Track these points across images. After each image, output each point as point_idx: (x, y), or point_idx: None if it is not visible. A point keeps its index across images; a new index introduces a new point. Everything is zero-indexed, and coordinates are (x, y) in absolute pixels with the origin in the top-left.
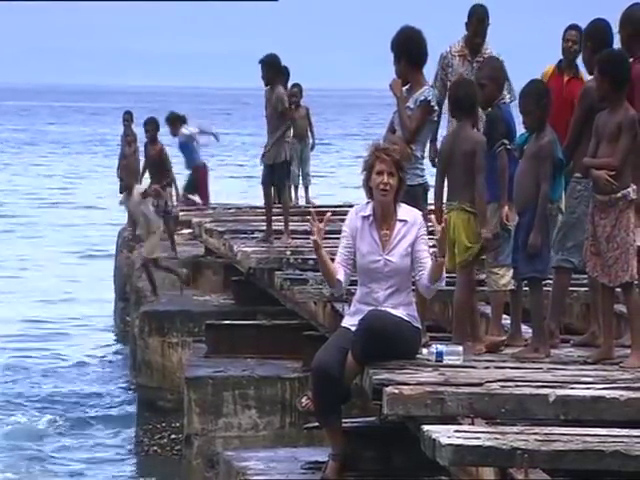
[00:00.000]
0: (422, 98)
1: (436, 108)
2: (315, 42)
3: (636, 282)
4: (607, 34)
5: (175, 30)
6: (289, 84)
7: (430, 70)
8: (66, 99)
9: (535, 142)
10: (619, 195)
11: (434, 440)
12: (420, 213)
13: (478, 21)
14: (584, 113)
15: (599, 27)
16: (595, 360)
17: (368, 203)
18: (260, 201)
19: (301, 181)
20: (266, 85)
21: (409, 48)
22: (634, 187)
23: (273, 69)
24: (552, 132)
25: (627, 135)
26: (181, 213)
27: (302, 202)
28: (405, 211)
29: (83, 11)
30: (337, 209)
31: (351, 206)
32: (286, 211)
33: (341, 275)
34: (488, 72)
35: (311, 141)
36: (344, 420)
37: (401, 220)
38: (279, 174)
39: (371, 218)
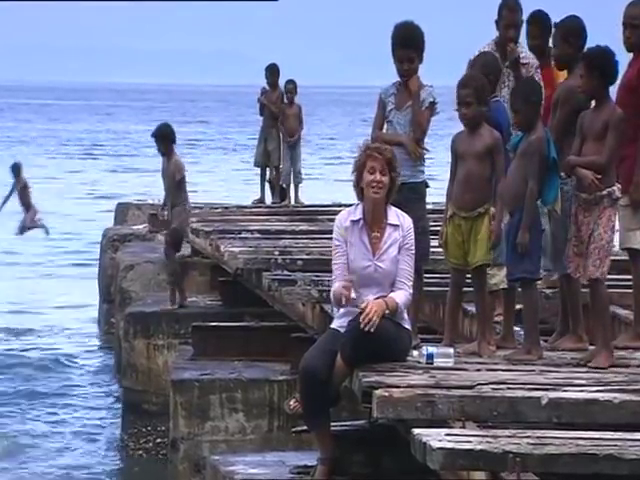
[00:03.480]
0: (431, 99)
1: (438, 110)
2: (300, 39)
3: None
4: (585, 31)
5: (164, 27)
6: (280, 81)
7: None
8: (51, 97)
9: (525, 140)
10: (604, 193)
11: (425, 444)
12: (411, 220)
13: (510, 11)
14: (569, 116)
15: (579, 24)
16: (586, 362)
17: (357, 206)
18: (247, 201)
19: (292, 180)
20: (162, 156)
21: (424, 46)
22: (619, 186)
23: (167, 140)
24: (543, 130)
25: (614, 133)
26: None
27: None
28: (396, 215)
29: (70, 9)
30: (326, 209)
31: (340, 206)
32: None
33: (354, 294)
34: (478, 68)
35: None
36: (333, 423)
37: (392, 224)
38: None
39: (361, 222)
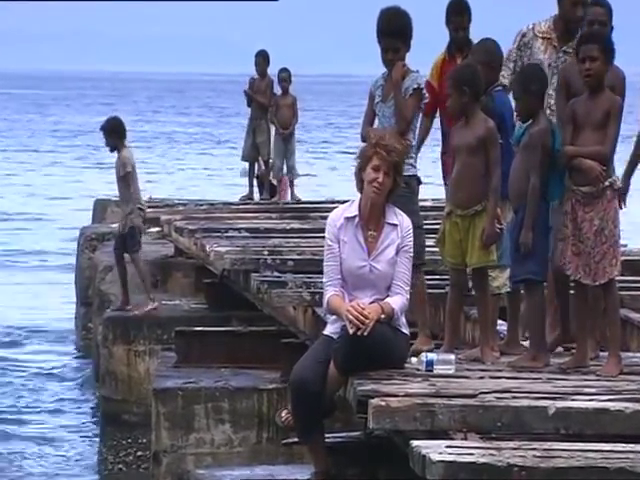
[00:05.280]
0: (415, 86)
1: (427, 96)
2: (287, 26)
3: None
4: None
5: (146, 13)
6: (268, 69)
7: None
8: (21, 86)
9: (527, 132)
10: (606, 184)
11: (424, 456)
12: (410, 221)
13: None
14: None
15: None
16: (568, 367)
17: (353, 202)
18: (235, 197)
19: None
20: (111, 151)
21: (411, 33)
22: (618, 176)
23: (117, 134)
24: (547, 121)
25: (616, 122)
26: (148, 210)
27: (288, 198)
28: (395, 215)
29: None
30: (319, 205)
31: (333, 202)
32: (143, 275)
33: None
34: (479, 56)
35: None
36: (326, 435)
37: (390, 224)
38: (130, 242)
39: (356, 219)
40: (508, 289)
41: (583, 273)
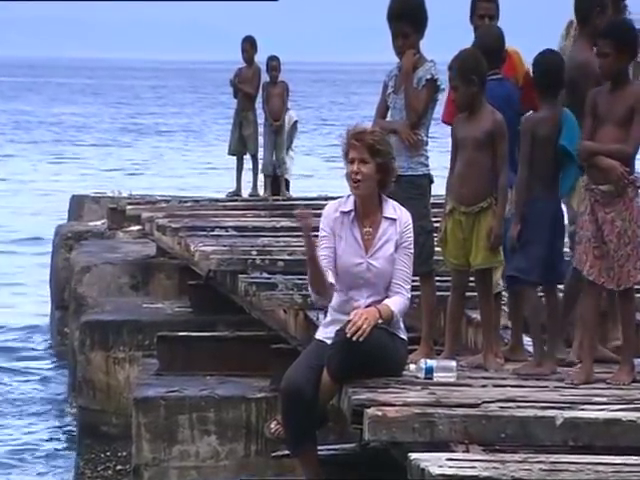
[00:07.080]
0: (428, 76)
1: (443, 87)
2: (284, 12)
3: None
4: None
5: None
6: (256, 56)
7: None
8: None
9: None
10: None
11: (423, 469)
12: (409, 215)
13: None
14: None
15: None
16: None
17: (349, 197)
18: (222, 194)
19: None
20: None
21: (424, 18)
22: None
23: None
24: (551, 112)
25: None
26: (129, 207)
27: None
28: (393, 208)
29: None
30: (311, 202)
31: (327, 199)
32: None
33: (332, 278)
34: (477, 42)
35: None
36: (319, 447)
37: (388, 218)
38: None
39: (352, 214)
40: (501, 288)
41: (606, 277)
